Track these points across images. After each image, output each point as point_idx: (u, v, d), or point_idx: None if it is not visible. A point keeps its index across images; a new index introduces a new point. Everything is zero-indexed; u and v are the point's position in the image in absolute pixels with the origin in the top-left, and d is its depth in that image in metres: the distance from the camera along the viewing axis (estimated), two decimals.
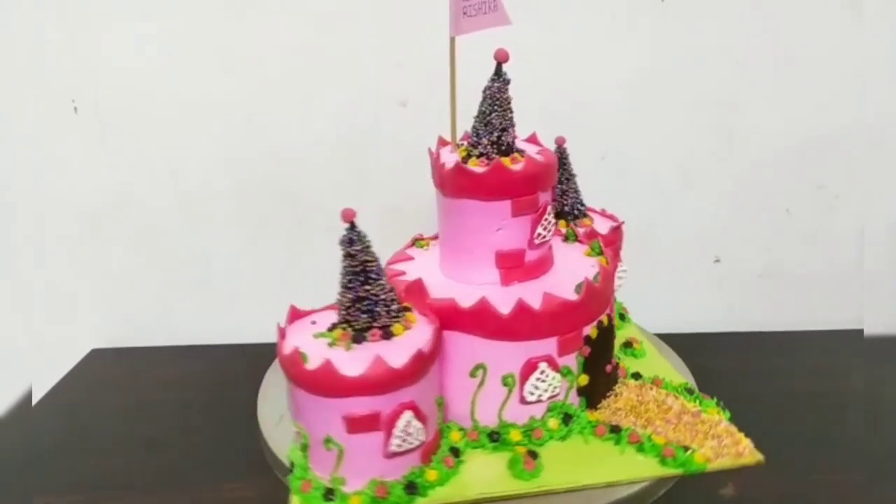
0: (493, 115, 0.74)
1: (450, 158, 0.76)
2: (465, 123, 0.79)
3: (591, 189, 1.22)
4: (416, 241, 0.89)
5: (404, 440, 0.65)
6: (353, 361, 0.64)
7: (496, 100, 0.74)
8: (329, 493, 0.65)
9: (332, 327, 0.70)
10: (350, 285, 0.67)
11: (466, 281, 0.76)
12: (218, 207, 1.23)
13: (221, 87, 1.16)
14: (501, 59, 0.73)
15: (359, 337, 0.67)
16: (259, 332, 1.19)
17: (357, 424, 0.64)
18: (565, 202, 0.90)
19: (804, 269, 1.27)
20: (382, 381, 0.63)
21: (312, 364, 0.64)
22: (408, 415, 0.64)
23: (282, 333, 0.71)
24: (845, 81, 1.16)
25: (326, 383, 0.63)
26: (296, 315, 0.75)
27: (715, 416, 0.77)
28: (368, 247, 0.66)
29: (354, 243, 0.66)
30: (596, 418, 0.76)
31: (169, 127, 1.18)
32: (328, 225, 1.22)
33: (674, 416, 0.76)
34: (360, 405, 0.63)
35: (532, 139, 0.83)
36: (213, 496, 0.86)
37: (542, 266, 0.78)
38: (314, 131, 1.18)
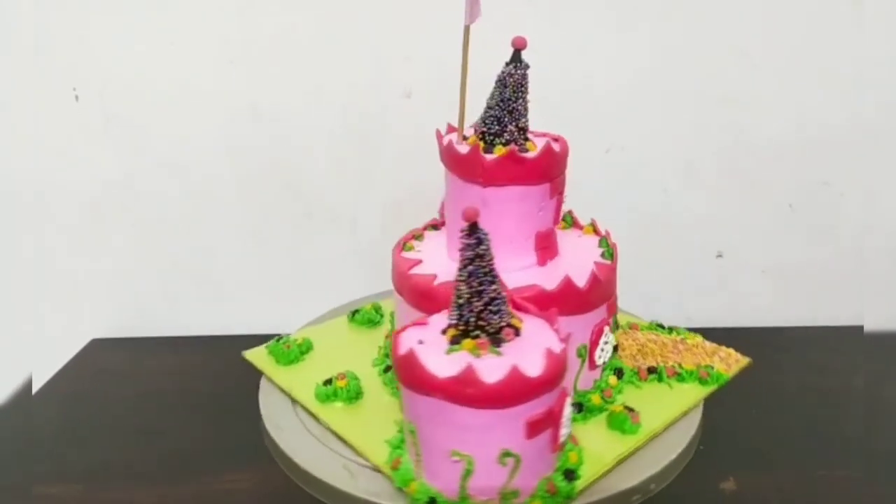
0: (519, 101, 0.75)
1: (464, 148, 0.76)
2: (471, 114, 0.79)
3: (595, 182, 1.22)
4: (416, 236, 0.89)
5: (567, 428, 0.65)
6: (526, 362, 0.60)
7: (519, 86, 0.74)
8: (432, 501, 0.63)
9: (458, 339, 0.64)
10: (481, 288, 0.62)
11: (504, 269, 0.77)
12: (221, 197, 1.23)
13: (225, 77, 1.16)
14: (520, 45, 0.73)
15: (497, 340, 0.63)
16: (261, 323, 1.19)
17: (537, 426, 0.61)
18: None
19: (807, 265, 1.27)
20: (556, 374, 0.61)
21: (492, 377, 0.59)
22: (568, 400, 0.64)
23: (411, 363, 0.62)
24: (850, 78, 1.16)
25: (512, 392, 0.59)
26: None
27: (696, 339, 0.91)
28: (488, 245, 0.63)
29: (483, 242, 0.62)
30: (631, 366, 0.84)
31: (172, 117, 1.18)
32: (332, 217, 1.24)
33: (672, 348, 0.86)
34: (540, 405, 0.61)
35: None
36: (214, 486, 0.86)
37: (556, 244, 0.82)
38: (319, 123, 1.18)
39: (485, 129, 0.76)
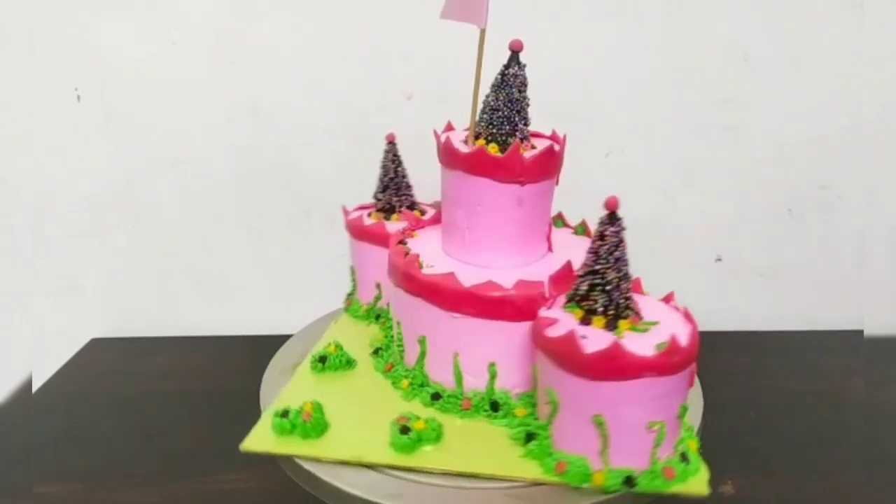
0: (525, 101, 0.77)
1: (465, 148, 0.77)
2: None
3: (595, 186, 1.22)
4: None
5: None
6: (675, 331, 0.66)
7: (524, 86, 0.76)
8: (629, 479, 0.65)
9: (612, 323, 0.65)
10: (626, 270, 0.66)
11: (525, 263, 0.80)
12: (221, 198, 1.23)
13: (226, 77, 1.16)
14: (517, 48, 0.75)
15: (633, 315, 0.67)
16: (260, 323, 1.19)
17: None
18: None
19: (806, 269, 1.27)
20: (696, 342, 0.67)
21: (685, 344, 0.64)
22: None
23: (613, 355, 0.61)
24: (850, 82, 1.16)
25: (676, 362, 0.63)
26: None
27: None
28: None
29: (623, 228, 0.66)
30: None
31: (172, 116, 1.18)
32: (330, 216, 1.24)
33: None
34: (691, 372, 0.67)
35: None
36: (213, 486, 0.86)
37: None
38: (318, 123, 1.18)
39: (494, 131, 0.76)
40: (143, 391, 1.09)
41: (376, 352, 0.85)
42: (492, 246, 0.80)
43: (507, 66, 0.76)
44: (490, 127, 0.76)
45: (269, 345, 1.04)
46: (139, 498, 0.85)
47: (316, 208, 1.24)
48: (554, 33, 1.14)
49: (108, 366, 1.19)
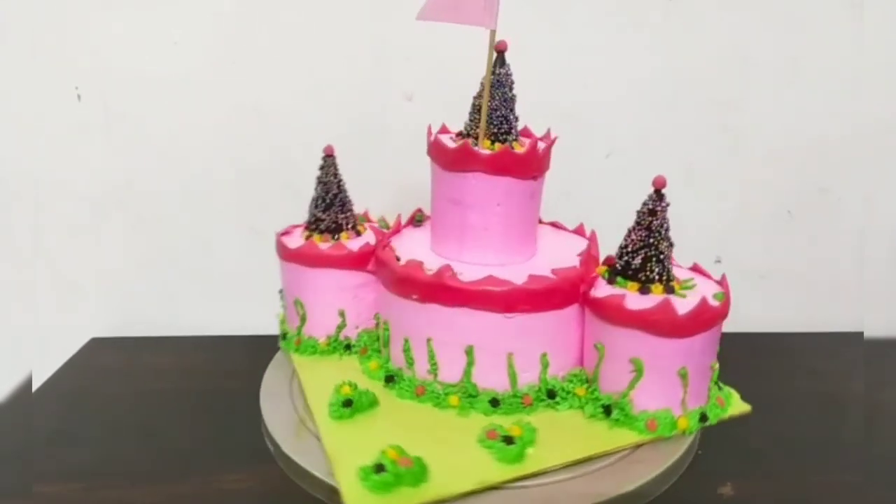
0: (515, 100, 0.79)
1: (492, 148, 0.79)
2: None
3: (595, 186, 1.23)
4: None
5: None
6: (708, 287, 0.79)
7: (513, 86, 0.77)
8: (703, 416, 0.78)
9: (647, 287, 0.75)
10: (669, 240, 0.77)
11: (526, 257, 0.84)
12: (221, 197, 1.23)
13: (227, 77, 1.16)
14: (503, 48, 0.76)
15: (676, 279, 0.79)
16: (260, 323, 1.19)
17: None
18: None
19: (805, 271, 1.27)
20: (728, 291, 0.80)
21: (717, 301, 0.76)
22: None
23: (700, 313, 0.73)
24: (850, 85, 1.17)
25: (728, 308, 0.77)
26: None
27: None
28: None
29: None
30: None
31: (173, 116, 1.18)
32: None
33: None
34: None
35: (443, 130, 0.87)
36: (213, 486, 0.86)
37: None
38: (319, 123, 1.18)
39: (495, 130, 0.77)
40: (143, 391, 1.09)
41: (389, 379, 0.82)
42: (506, 242, 0.81)
43: (496, 67, 0.76)
44: (491, 126, 0.77)
45: (270, 345, 1.04)
46: (139, 497, 0.84)
47: None
48: (554, 34, 1.14)
49: (107, 365, 1.18)
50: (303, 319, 0.91)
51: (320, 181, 0.89)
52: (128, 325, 1.29)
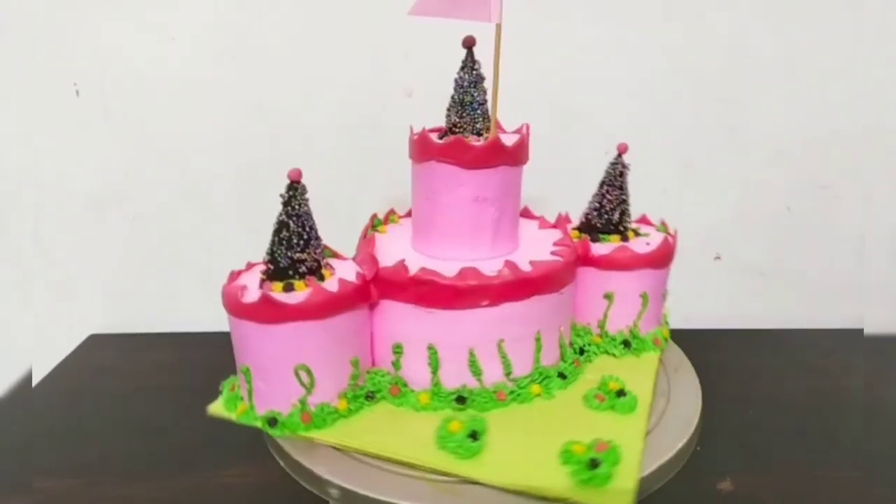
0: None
1: (512, 139, 0.79)
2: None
3: (594, 183, 1.22)
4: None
5: None
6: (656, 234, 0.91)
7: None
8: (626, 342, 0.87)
9: (625, 236, 0.87)
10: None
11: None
12: (220, 194, 1.23)
13: (226, 74, 1.16)
14: (471, 44, 0.75)
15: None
16: None
17: None
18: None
19: (805, 267, 1.27)
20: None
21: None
22: None
23: None
24: (850, 81, 1.16)
25: None
26: None
27: None
28: None
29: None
30: None
31: (172, 112, 1.18)
32: (330, 213, 1.23)
33: None
34: None
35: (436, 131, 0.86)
36: (212, 482, 0.86)
37: None
38: (318, 119, 1.18)
39: (479, 125, 0.78)
40: (142, 387, 1.09)
41: (461, 401, 0.75)
42: (514, 231, 0.83)
43: (472, 62, 0.76)
44: (478, 121, 0.77)
45: None
46: (138, 493, 0.85)
47: (315, 205, 1.23)
48: (553, 31, 1.14)
49: (106, 361, 1.19)
50: (309, 387, 0.72)
51: (293, 214, 0.74)
52: (127, 322, 1.29)
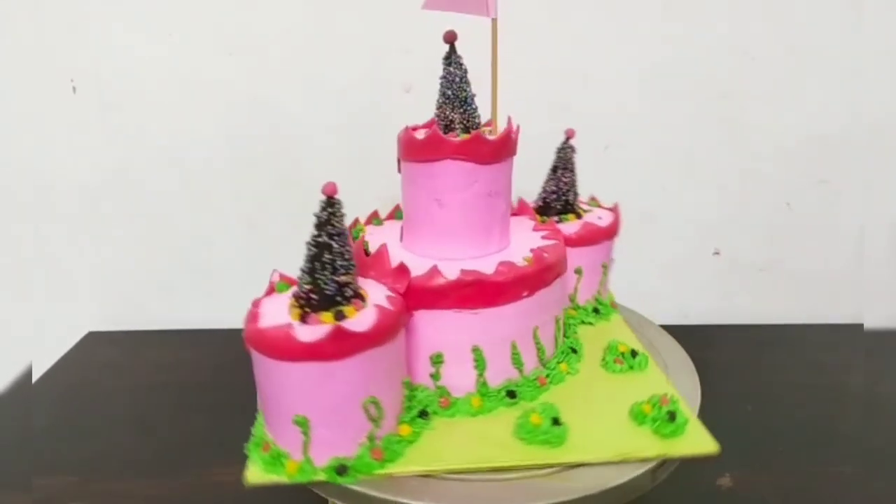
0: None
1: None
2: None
3: (594, 179, 1.22)
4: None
5: None
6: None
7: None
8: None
9: (577, 214, 0.91)
10: None
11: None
12: (219, 190, 1.22)
13: (224, 69, 1.15)
14: (451, 39, 0.73)
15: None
16: None
17: None
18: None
19: (804, 263, 1.27)
20: None
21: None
22: None
23: None
24: (850, 77, 1.16)
25: None
26: None
27: None
28: None
29: None
30: None
31: (170, 108, 1.17)
32: None
33: None
34: None
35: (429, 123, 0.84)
36: (209, 479, 0.86)
37: None
38: (317, 115, 1.18)
39: (478, 120, 0.77)
40: (140, 384, 1.09)
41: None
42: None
43: (458, 57, 0.75)
44: (476, 116, 0.77)
45: None
46: (136, 490, 0.85)
47: (314, 201, 1.23)
48: (553, 27, 1.14)
49: (105, 359, 1.18)
50: (378, 420, 0.66)
51: (334, 234, 0.65)
52: (125, 319, 1.29)
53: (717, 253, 1.27)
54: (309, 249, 0.64)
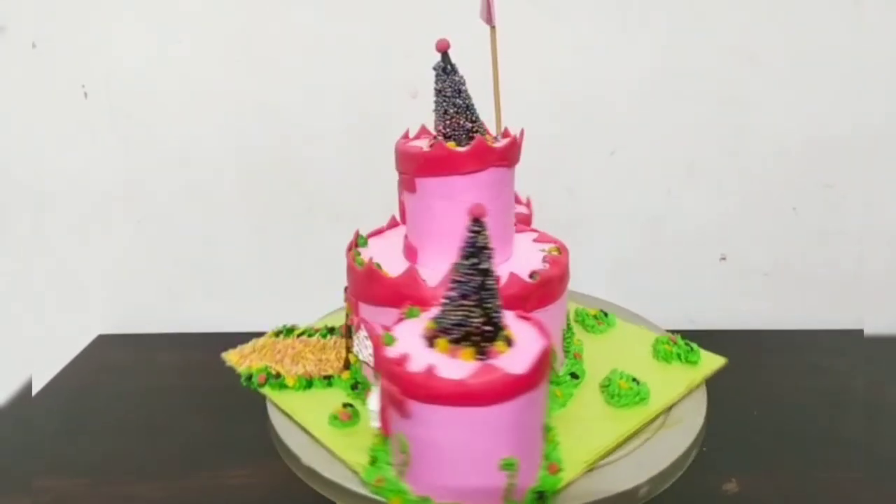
0: None
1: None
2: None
3: (600, 184, 1.22)
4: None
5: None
6: None
7: None
8: None
9: None
10: None
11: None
12: (226, 195, 1.23)
13: (232, 75, 1.16)
14: (444, 48, 0.72)
15: None
16: (265, 320, 1.19)
17: None
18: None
19: (810, 268, 1.27)
20: None
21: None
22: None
23: None
24: (855, 81, 1.16)
25: None
26: None
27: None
28: None
29: None
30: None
31: (178, 114, 1.18)
32: (335, 214, 1.24)
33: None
34: None
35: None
36: (219, 482, 0.87)
37: None
38: (324, 121, 1.19)
39: (479, 127, 0.76)
40: (149, 387, 1.10)
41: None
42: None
43: (446, 67, 0.74)
44: (481, 123, 0.76)
45: None
46: (145, 493, 0.85)
47: (320, 205, 1.24)
48: (558, 31, 1.14)
49: (114, 362, 1.19)
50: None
51: (490, 257, 0.58)
52: (134, 323, 1.29)
53: (723, 258, 1.27)
54: (468, 279, 0.58)
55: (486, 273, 0.57)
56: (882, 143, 1.19)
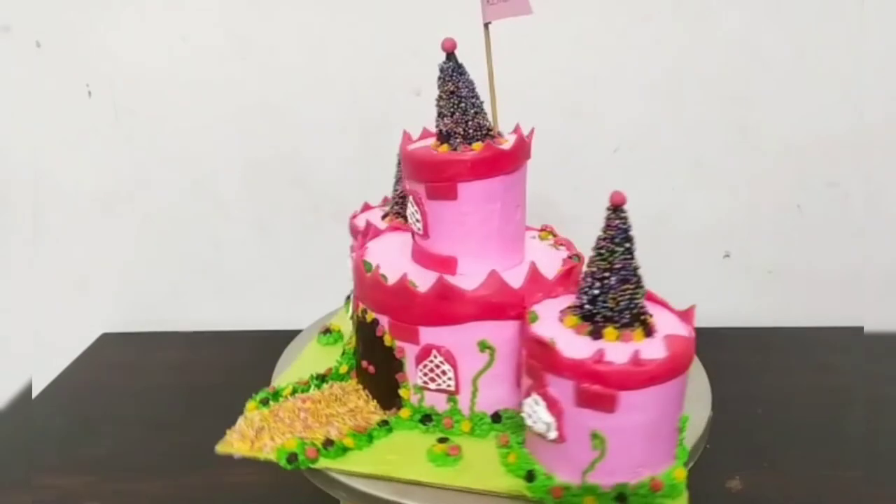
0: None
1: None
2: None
3: (604, 182, 1.22)
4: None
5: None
6: None
7: None
8: None
9: None
10: None
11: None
12: (230, 193, 1.23)
13: (236, 74, 1.16)
14: (451, 48, 0.70)
15: None
16: (269, 318, 1.20)
17: None
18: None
19: (814, 266, 1.27)
20: None
21: None
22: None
23: None
24: (859, 80, 1.16)
25: None
26: None
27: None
28: None
29: None
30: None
31: (183, 112, 1.18)
32: (339, 212, 1.24)
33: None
34: None
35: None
36: (221, 479, 0.87)
37: None
38: (327, 119, 1.19)
39: (487, 130, 0.75)
40: (154, 385, 1.10)
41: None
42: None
43: (453, 66, 0.72)
44: (482, 124, 0.75)
45: (279, 340, 1.04)
46: (150, 490, 0.85)
47: (325, 204, 1.24)
48: (563, 29, 1.14)
49: (118, 360, 1.20)
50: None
51: (631, 239, 0.64)
52: (138, 321, 1.30)
53: (727, 256, 1.27)
54: (626, 264, 0.62)
55: (635, 257, 0.62)
56: (887, 142, 1.18)
